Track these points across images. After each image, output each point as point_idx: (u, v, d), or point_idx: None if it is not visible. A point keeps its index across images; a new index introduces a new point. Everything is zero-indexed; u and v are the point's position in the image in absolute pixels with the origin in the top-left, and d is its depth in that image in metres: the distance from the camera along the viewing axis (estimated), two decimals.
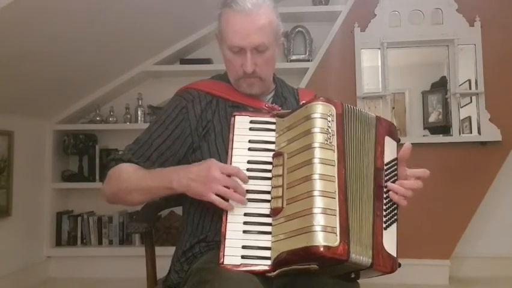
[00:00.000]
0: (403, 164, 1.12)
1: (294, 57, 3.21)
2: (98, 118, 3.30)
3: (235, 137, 1.09)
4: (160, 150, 1.20)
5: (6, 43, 2.22)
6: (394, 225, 1.06)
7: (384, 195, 1.07)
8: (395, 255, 1.03)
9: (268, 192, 1.03)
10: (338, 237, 0.92)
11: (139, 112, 3.29)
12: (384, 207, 1.06)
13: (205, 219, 1.19)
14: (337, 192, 0.96)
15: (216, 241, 1.08)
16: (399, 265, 1.03)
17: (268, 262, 0.97)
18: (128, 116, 3.29)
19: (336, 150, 1.00)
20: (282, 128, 1.09)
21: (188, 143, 1.21)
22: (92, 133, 3.32)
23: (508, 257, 3.02)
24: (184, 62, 3.27)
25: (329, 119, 1.02)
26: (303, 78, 3.03)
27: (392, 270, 1.01)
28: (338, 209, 0.95)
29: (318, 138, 1.00)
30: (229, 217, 1.01)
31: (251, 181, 1.05)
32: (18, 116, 2.91)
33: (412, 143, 1.16)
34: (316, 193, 0.95)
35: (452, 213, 2.88)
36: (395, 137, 1.14)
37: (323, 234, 0.91)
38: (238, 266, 0.97)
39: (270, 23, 1.18)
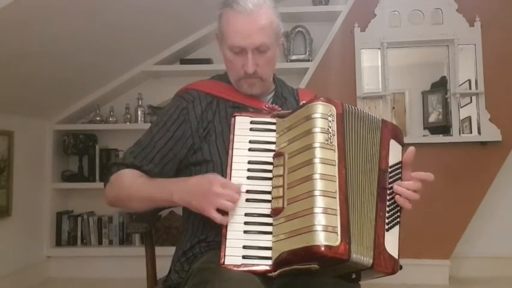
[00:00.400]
0: (408, 167, 1.12)
1: (294, 57, 3.21)
2: (98, 118, 3.30)
3: (235, 137, 1.09)
4: (162, 152, 1.20)
5: (6, 43, 2.22)
6: (397, 227, 1.07)
7: (388, 197, 1.07)
8: (397, 257, 1.03)
9: (268, 193, 1.03)
10: (339, 237, 0.92)
11: (139, 112, 3.29)
12: (387, 209, 1.06)
13: (205, 219, 1.18)
14: (338, 192, 0.96)
15: (217, 241, 1.08)
16: (401, 267, 1.03)
17: (269, 262, 0.97)
18: (128, 116, 3.29)
19: (336, 150, 1.00)
20: (282, 128, 1.09)
21: (189, 144, 1.20)
22: (92, 133, 3.32)
23: (508, 257, 3.02)
24: (184, 62, 3.27)
25: (330, 119, 1.02)
26: (303, 78, 3.03)
27: (393, 272, 1.01)
28: (338, 208, 0.95)
29: (319, 138, 1.00)
30: (230, 217, 1.01)
31: (252, 181, 1.05)
32: (18, 116, 2.91)
33: (412, 143, 1.17)
34: (317, 193, 0.95)
35: (452, 213, 2.88)
36: (400, 140, 1.15)
37: (324, 233, 0.91)
38: (239, 266, 0.97)
39: (271, 23, 1.18)
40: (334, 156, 0.99)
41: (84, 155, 3.30)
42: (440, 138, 3.01)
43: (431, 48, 3.10)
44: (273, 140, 1.09)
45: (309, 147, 1.00)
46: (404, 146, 1.15)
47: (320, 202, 0.94)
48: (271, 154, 1.07)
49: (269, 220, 1.01)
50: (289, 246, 0.94)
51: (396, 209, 1.08)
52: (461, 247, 2.96)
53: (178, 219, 3.05)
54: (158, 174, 1.19)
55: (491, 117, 2.90)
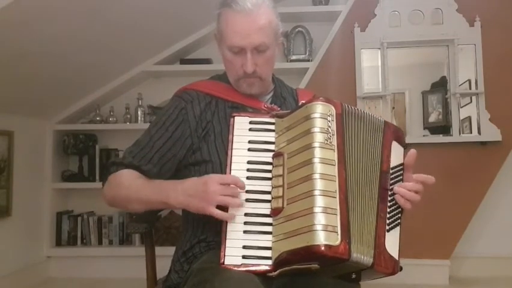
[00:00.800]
0: (409, 169, 1.13)
1: (294, 57, 3.21)
2: (98, 118, 3.30)
3: (234, 137, 1.09)
4: (161, 152, 1.19)
5: (6, 43, 2.22)
6: (397, 228, 1.07)
7: (389, 198, 1.07)
8: (397, 258, 1.03)
9: (268, 193, 1.03)
10: (339, 236, 0.92)
11: (139, 112, 3.29)
12: (388, 209, 1.06)
13: (205, 219, 1.18)
14: (337, 192, 0.96)
15: (216, 241, 1.08)
16: (401, 268, 1.03)
17: (269, 262, 0.97)
18: (128, 116, 3.29)
19: (336, 150, 1.00)
20: (281, 128, 1.09)
21: (188, 144, 1.20)
22: (92, 133, 3.32)
23: (508, 257, 3.02)
24: (184, 62, 3.27)
25: (329, 118, 1.02)
26: (303, 78, 3.03)
27: (393, 272, 1.01)
28: (338, 208, 0.95)
29: (318, 138, 1.00)
30: (230, 212, 1.01)
31: (251, 181, 1.05)
32: (18, 116, 2.91)
33: (412, 143, 1.17)
34: (317, 192, 0.95)
35: (452, 213, 2.88)
36: (402, 142, 1.15)
37: (324, 233, 0.91)
38: (239, 266, 0.97)
39: (270, 22, 1.18)
40: (334, 156, 0.99)
41: (84, 155, 3.30)
42: (440, 138, 3.01)
43: (431, 48, 3.10)
44: (272, 140, 1.09)
45: (309, 147, 1.00)
46: (406, 148, 1.15)
47: (319, 202, 0.94)
48: (271, 154, 1.07)
49: (269, 220, 1.01)
50: (289, 246, 0.94)
51: (397, 210, 1.08)
52: (461, 247, 2.96)
53: (178, 219, 3.05)
54: (157, 174, 1.19)
55: (491, 117, 2.90)
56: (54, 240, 3.22)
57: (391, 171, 1.09)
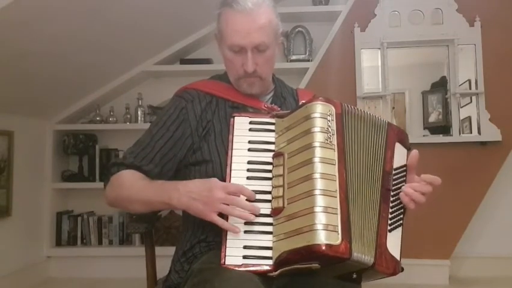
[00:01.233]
0: (413, 171, 1.13)
1: (294, 57, 3.21)
2: (98, 118, 3.30)
3: (234, 137, 1.09)
4: (162, 152, 1.19)
5: (6, 43, 2.22)
6: (399, 229, 1.07)
7: (392, 199, 1.07)
8: (398, 259, 1.03)
9: (268, 192, 1.03)
10: (340, 236, 0.92)
11: (139, 112, 3.29)
12: (391, 210, 1.06)
13: (205, 220, 1.18)
14: (338, 191, 0.96)
15: (216, 241, 1.08)
16: (402, 269, 1.03)
17: (270, 262, 0.97)
18: (128, 116, 3.29)
19: (336, 150, 1.00)
20: (281, 128, 1.09)
21: (188, 144, 1.20)
22: (92, 133, 3.32)
23: (508, 257, 3.02)
24: (184, 62, 3.27)
25: (329, 118, 1.02)
26: (303, 78, 3.04)
27: (394, 273, 1.01)
28: (339, 207, 0.95)
29: (318, 137, 1.00)
30: (230, 218, 1.01)
31: (251, 181, 1.05)
32: (18, 116, 2.91)
33: (412, 143, 1.17)
34: (317, 192, 0.95)
35: (452, 213, 2.88)
36: (405, 144, 1.15)
37: (324, 232, 0.91)
38: (240, 266, 0.97)
39: (270, 22, 1.18)
40: (334, 155, 0.99)
41: (84, 155, 3.30)
42: (440, 138, 3.01)
43: (431, 48, 3.10)
44: (272, 140, 1.09)
45: (309, 146, 1.00)
46: (410, 150, 1.15)
47: (320, 201, 0.94)
48: (271, 154, 1.07)
49: (269, 220, 1.01)
50: (290, 246, 0.94)
51: (399, 211, 1.08)
52: (461, 247, 2.96)
53: (178, 219, 3.05)
54: (158, 174, 1.19)
55: (491, 117, 2.90)
56: (54, 240, 3.22)
57: (394, 172, 1.09)
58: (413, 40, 3.01)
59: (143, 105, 3.29)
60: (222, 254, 0.98)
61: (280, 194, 1.01)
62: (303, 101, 1.12)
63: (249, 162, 1.06)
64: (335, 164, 0.99)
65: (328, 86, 2.99)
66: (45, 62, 2.57)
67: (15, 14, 2.02)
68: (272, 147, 1.08)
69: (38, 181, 3.13)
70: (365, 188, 1.03)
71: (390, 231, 1.04)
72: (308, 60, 3.17)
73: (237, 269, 0.96)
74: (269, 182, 1.04)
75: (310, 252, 0.91)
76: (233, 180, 1.05)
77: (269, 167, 1.06)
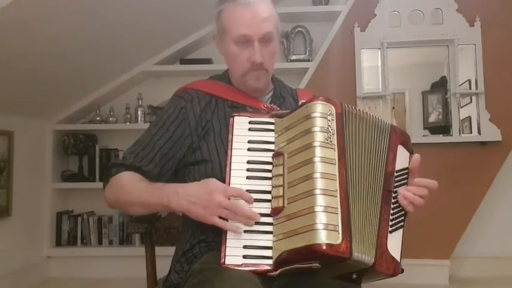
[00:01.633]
0: (414, 174, 1.13)
1: (294, 57, 3.21)
2: (98, 118, 3.30)
3: (234, 137, 1.09)
4: (162, 152, 1.19)
5: (6, 43, 2.22)
6: (400, 231, 1.07)
7: (393, 201, 1.07)
8: (399, 260, 1.03)
9: (268, 192, 1.03)
10: (340, 235, 0.92)
11: (139, 112, 3.29)
12: (392, 211, 1.06)
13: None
14: (338, 191, 0.96)
15: (216, 241, 1.08)
16: (402, 271, 1.03)
17: (270, 262, 0.97)
18: (128, 116, 3.29)
19: (336, 149, 1.00)
20: (281, 128, 1.09)
21: (188, 144, 1.20)
22: (92, 133, 3.32)
23: (508, 257, 3.02)
24: (184, 62, 3.27)
25: (329, 118, 1.02)
26: (303, 78, 3.04)
27: (394, 274, 1.01)
28: (339, 207, 0.95)
29: (319, 137, 1.00)
30: (231, 221, 1.01)
31: (251, 181, 1.04)
32: (18, 116, 2.92)
33: (412, 143, 1.17)
34: (317, 191, 0.95)
35: (452, 213, 2.88)
36: (408, 147, 1.15)
37: (325, 232, 0.91)
38: (240, 265, 0.96)
39: (273, 15, 1.21)
40: (334, 155, 0.99)
41: (84, 155, 3.30)
42: (440, 138, 3.01)
43: (431, 48, 3.10)
44: (272, 139, 1.09)
45: (309, 146, 1.00)
46: (412, 153, 1.16)
47: (320, 201, 0.94)
48: (270, 154, 1.07)
49: (269, 220, 1.01)
50: (290, 246, 0.94)
51: (400, 213, 1.09)
52: (461, 247, 2.96)
53: (178, 219, 3.03)
54: (158, 174, 1.19)
55: (491, 117, 2.90)
56: (54, 240, 3.22)
57: (396, 174, 1.09)
58: (413, 40, 3.01)
59: (143, 105, 3.29)
60: (222, 253, 0.98)
61: (280, 193, 1.01)
62: (303, 101, 1.12)
63: (249, 162, 1.06)
64: (335, 164, 0.99)
65: (328, 86, 2.99)
66: (45, 62, 2.57)
67: (15, 14, 2.02)
68: (272, 147, 1.08)
69: (38, 181, 3.13)
70: (366, 189, 1.03)
71: (391, 232, 1.04)
72: (308, 60, 3.17)
73: (237, 268, 0.96)
74: (269, 182, 1.04)
75: (311, 251, 0.91)
76: (233, 180, 1.05)
77: (269, 167, 1.06)
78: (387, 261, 1.00)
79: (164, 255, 1.47)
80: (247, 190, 1.03)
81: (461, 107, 3.00)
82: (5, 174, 2.78)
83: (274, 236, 0.99)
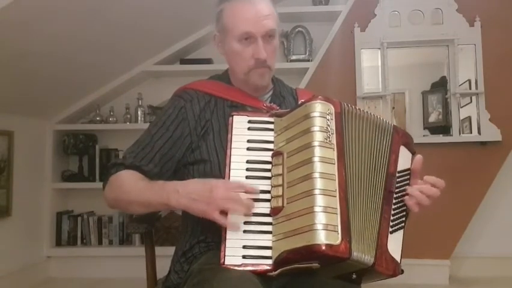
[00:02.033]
0: (416, 175, 1.13)
1: (294, 57, 3.21)
2: (98, 118, 3.30)
3: (233, 137, 1.09)
4: (162, 152, 1.19)
5: (6, 43, 2.22)
6: (401, 232, 1.07)
7: (394, 201, 1.07)
8: (399, 261, 1.03)
9: (268, 192, 1.03)
10: (340, 235, 0.92)
11: (139, 112, 3.29)
12: (393, 212, 1.06)
13: (204, 220, 1.18)
14: (338, 191, 0.96)
15: (216, 241, 1.08)
16: (402, 272, 1.03)
17: (270, 261, 0.97)
18: (128, 116, 3.29)
19: (335, 149, 1.00)
20: (280, 127, 1.09)
21: (187, 143, 1.20)
22: (92, 133, 3.32)
23: (508, 257, 3.02)
24: (184, 62, 3.27)
25: (328, 117, 1.02)
26: (303, 78, 3.04)
27: (394, 274, 1.01)
28: (339, 207, 0.95)
29: (318, 136, 0.99)
30: (230, 217, 1.01)
31: (251, 181, 1.04)
32: (18, 116, 2.92)
33: None
34: (317, 191, 0.95)
35: (452, 213, 2.87)
36: (410, 148, 1.15)
37: (324, 232, 0.91)
38: (239, 265, 0.96)
39: (274, 13, 1.22)
40: (333, 155, 0.99)
41: (84, 155, 3.30)
42: (440, 138, 3.01)
43: (431, 48, 3.10)
44: (271, 139, 1.09)
45: (308, 146, 1.00)
46: (415, 154, 1.15)
47: (320, 201, 0.94)
48: (270, 153, 1.07)
49: (269, 219, 1.01)
50: (290, 246, 0.94)
51: (401, 214, 1.08)
52: (461, 247, 2.96)
53: (178, 219, 3.03)
54: (158, 174, 1.19)
55: (491, 117, 2.90)
56: (54, 240, 3.22)
57: (398, 175, 1.09)
58: (413, 40, 3.01)
59: (143, 105, 3.29)
60: (222, 253, 0.98)
61: (280, 193, 1.00)
62: (302, 100, 1.12)
63: (248, 162, 1.06)
64: (334, 164, 0.98)
65: (328, 86, 2.99)
66: (45, 62, 2.57)
67: (15, 14, 2.02)
68: (271, 146, 1.08)
69: (38, 181, 3.13)
70: (366, 188, 1.03)
71: (391, 232, 1.04)
72: (308, 60, 3.17)
73: (236, 268, 0.96)
74: (268, 182, 1.04)
75: (310, 252, 0.91)
76: (232, 180, 1.05)
77: (268, 166, 1.06)
78: (387, 261, 1.00)
79: (164, 255, 1.47)
80: (246, 190, 1.03)
81: (461, 107, 3.00)
82: (5, 174, 2.78)
83: (273, 236, 0.99)
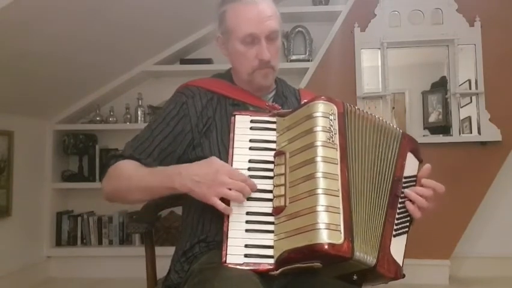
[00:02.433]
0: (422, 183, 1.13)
1: (294, 57, 3.21)
2: (98, 118, 3.30)
3: (235, 136, 1.09)
4: (161, 147, 1.19)
5: (6, 43, 2.22)
6: (404, 236, 1.07)
7: (399, 205, 1.07)
8: (401, 264, 1.03)
9: (270, 191, 1.03)
10: (342, 235, 0.92)
11: (139, 112, 3.29)
12: (397, 216, 1.06)
13: (205, 219, 1.18)
14: (340, 191, 0.96)
15: (216, 241, 1.08)
16: (404, 276, 1.03)
17: (271, 261, 0.97)
18: (128, 116, 3.29)
19: (338, 149, 1.00)
20: (282, 127, 1.09)
21: (188, 140, 1.20)
22: (92, 133, 3.32)
23: (508, 257, 3.02)
24: (184, 62, 3.27)
25: (331, 117, 1.02)
26: (303, 78, 3.03)
27: (396, 277, 1.01)
28: (341, 207, 0.95)
29: (321, 136, 0.99)
30: (232, 216, 1.01)
31: (252, 180, 1.04)
32: (18, 116, 2.91)
33: None
34: (319, 191, 0.95)
35: (452, 213, 2.87)
36: (417, 155, 1.15)
37: (327, 231, 0.91)
38: (241, 264, 0.96)
39: (276, 13, 1.22)
40: (336, 155, 0.99)
41: (84, 155, 3.30)
42: (440, 138, 3.01)
43: (431, 48, 3.10)
44: (273, 139, 1.09)
45: (311, 145, 0.99)
46: (421, 162, 1.15)
47: (322, 200, 0.94)
48: (272, 153, 1.07)
49: (271, 219, 1.01)
50: (292, 245, 0.94)
51: (406, 219, 1.08)
52: (461, 247, 2.96)
53: (178, 219, 3.05)
54: None
55: (491, 117, 2.90)
56: (54, 240, 3.22)
57: (404, 181, 1.09)
58: (413, 40, 3.01)
59: (143, 105, 3.29)
60: (223, 252, 0.98)
61: (282, 192, 1.00)
62: (305, 100, 1.12)
63: (250, 161, 1.06)
64: (337, 164, 0.98)
65: (328, 86, 2.99)
66: (45, 62, 2.57)
67: (15, 14, 2.02)
68: (273, 146, 1.08)
69: (38, 181, 3.12)
70: (370, 190, 1.03)
71: (395, 236, 1.04)
72: (308, 60, 3.17)
73: (238, 267, 0.96)
74: (270, 181, 1.04)
75: (313, 251, 0.91)
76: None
77: (270, 166, 1.06)
78: (389, 263, 1.00)
79: (164, 255, 1.47)
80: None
81: (461, 107, 3.00)
82: (5, 174, 2.78)
83: (275, 235, 0.99)
